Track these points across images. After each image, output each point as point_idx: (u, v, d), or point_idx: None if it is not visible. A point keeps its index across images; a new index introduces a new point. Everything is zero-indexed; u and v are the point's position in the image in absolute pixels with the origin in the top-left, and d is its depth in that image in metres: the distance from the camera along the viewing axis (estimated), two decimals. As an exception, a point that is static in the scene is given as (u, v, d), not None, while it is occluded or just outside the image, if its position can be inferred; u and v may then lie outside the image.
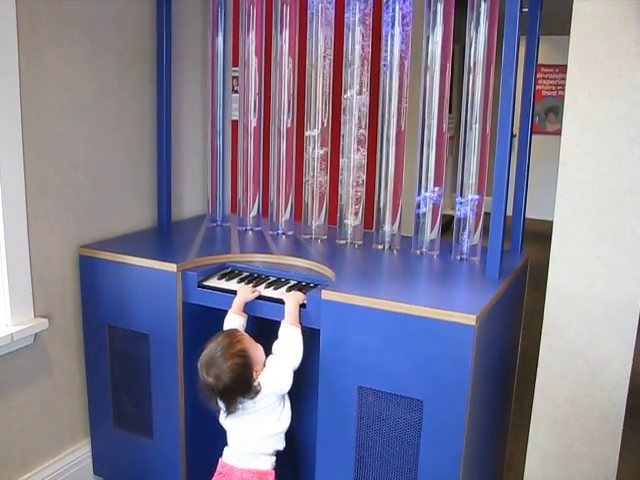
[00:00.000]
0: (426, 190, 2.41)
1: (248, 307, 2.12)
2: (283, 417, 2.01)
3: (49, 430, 2.41)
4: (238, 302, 2.11)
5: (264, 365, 1.96)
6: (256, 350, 1.95)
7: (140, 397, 2.36)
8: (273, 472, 2.02)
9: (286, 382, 1.95)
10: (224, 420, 2.00)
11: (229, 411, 1.91)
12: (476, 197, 2.33)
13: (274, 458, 2.03)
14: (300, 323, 2.02)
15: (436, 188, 2.39)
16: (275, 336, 2.03)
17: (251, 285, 2.18)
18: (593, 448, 2.20)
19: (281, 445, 2.04)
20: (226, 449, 2.04)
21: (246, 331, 2.05)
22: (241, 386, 1.88)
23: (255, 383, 1.91)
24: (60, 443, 2.47)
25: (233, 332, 1.98)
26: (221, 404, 1.92)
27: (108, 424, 2.47)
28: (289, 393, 2.01)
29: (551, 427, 2.25)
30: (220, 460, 2.04)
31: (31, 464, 2.36)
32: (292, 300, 2.04)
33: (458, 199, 2.37)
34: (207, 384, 1.88)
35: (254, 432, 1.98)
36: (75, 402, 2.51)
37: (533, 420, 2.28)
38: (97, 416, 2.51)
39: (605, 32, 1.96)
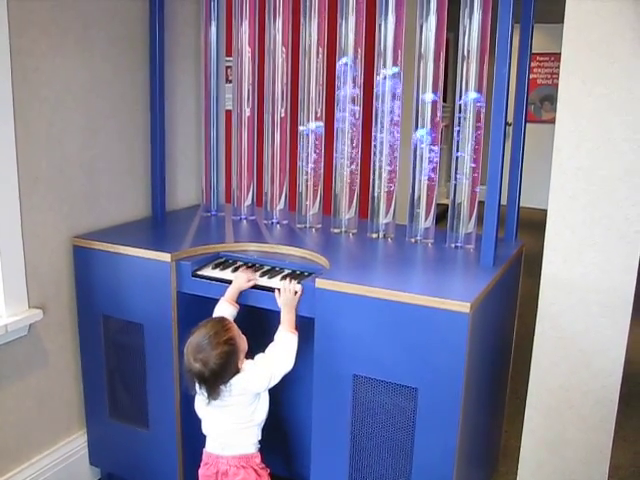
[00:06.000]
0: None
1: (242, 296, 2.12)
2: (258, 411, 2.02)
3: (45, 421, 2.41)
4: (232, 290, 2.10)
5: (249, 358, 1.99)
6: (241, 340, 1.96)
7: (135, 387, 2.36)
8: (259, 454, 2.05)
9: (263, 383, 1.96)
10: (201, 408, 2.03)
11: (212, 397, 1.92)
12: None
13: (257, 440, 2.05)
14: (296, 329, 2.01)
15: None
16: (266, 327, 2.04)
17: (250, 271, 2.17)
18: (587, 434, 2.21)
19: (257, 437, 2.05)
20: (208, 439, 2.06)
21: (235, 321, 2.04)
22: (227, 373, 1.91)
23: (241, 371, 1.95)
24: (56, 434, 2.47)
25: (222, 320, 1.99)
26: (203, 391, 1.92)
27: (104, 414, 2.46)
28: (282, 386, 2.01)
29: (545, 414, 2.26)
30: (204, 450, 2.06)
31: (27, 455, 2.35)
32: (287, 308, 2.02)
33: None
34: (193, 370, 1.89)
35: (229, 424, 2.00)
36: (70, 393, 2.50)
37: (528, 407, 2.29)
38: (92, 406, 2.50)
39: (600, 17, 1.95)
